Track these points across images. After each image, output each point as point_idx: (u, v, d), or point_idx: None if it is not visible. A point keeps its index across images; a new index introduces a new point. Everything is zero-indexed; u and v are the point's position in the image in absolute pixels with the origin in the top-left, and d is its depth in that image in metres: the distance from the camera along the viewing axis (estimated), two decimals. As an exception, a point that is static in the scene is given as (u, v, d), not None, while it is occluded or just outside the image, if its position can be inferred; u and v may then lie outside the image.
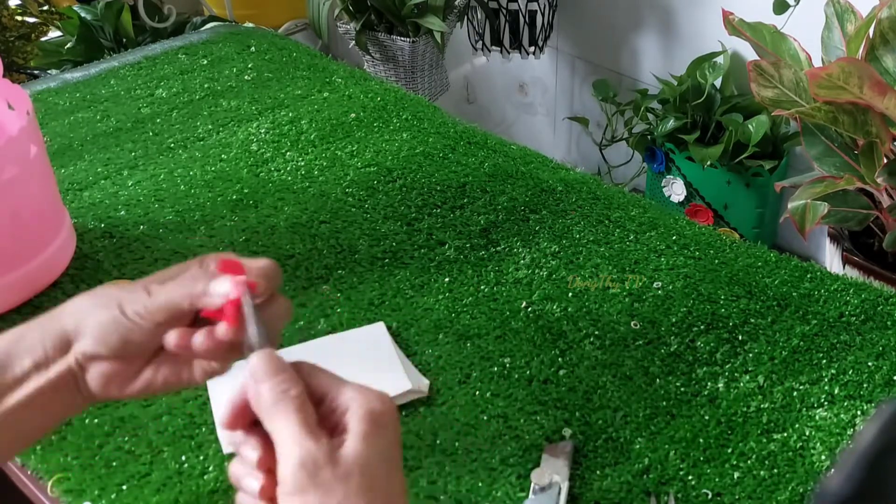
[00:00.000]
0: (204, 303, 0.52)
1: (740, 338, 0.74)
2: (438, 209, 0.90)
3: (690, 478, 0.62)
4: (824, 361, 0.72)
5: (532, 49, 2.06)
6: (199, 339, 0.52)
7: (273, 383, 0.46)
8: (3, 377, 0.52)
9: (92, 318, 0.53)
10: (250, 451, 0.46)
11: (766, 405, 0.68)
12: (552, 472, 0.61)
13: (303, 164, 0.98)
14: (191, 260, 0.56)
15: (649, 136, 1.89)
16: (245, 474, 0.47)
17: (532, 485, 0.61)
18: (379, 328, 0.74)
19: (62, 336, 0.53)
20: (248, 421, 0.47)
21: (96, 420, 0.66)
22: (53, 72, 1.63)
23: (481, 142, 1.02)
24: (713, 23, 1.81)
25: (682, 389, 0.69)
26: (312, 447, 0.44)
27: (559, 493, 0.60)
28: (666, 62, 1.98)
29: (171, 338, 0.53)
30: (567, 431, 0.65)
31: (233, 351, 0.53)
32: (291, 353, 0.71)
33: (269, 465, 0.46)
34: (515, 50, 2.06)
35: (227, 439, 0.62)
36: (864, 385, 0.69)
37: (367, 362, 0.68)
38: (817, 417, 0.67)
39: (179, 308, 0.52)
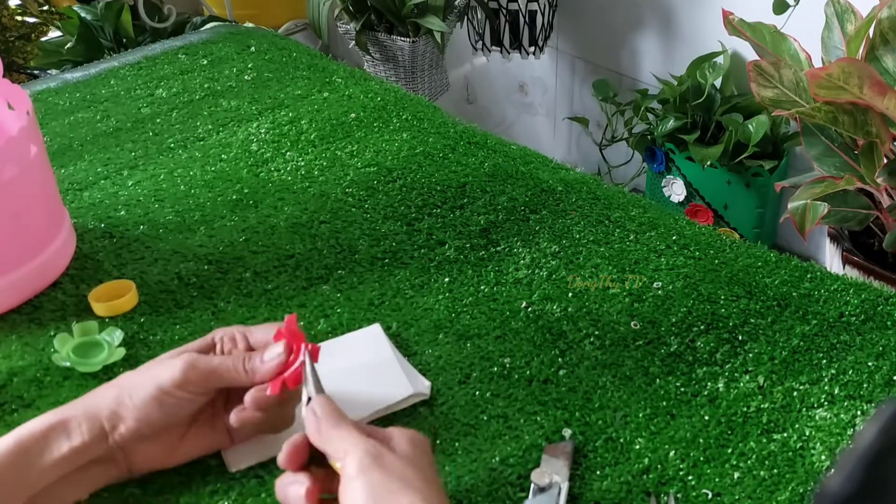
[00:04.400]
0: (261, 370, 0.59)
1: (740, 338, 0.74)
2: (438, 209, 0.90)
3: (690, 478, 0.62)
4: (824, 361, 0.72)
5: (532, 49, 2.06)
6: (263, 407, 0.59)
7: (332, 414, 0.55)
8: (40, 461, 0.55)
9: (133, 400, 0.57)
10: (298, 486, 0.53)
11: (766, 405, 0.68)
12: (552, 473, 0.61)
13: (303, 164, 0.98)
14: (207, 335, 0.63)
15: (649, 136, 1.89)
16: (291, 482, 0.54)
17: (532, 485, 0.61)
18: (375, 330, 0.73)
19: (99, 424, 0.57)
20: (302, 462, 0.54)
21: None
22: (53, 72, 1.63)
23: (481, 142, 1.02)
24: (713, 23, 1.81)
25: (682, 389, 0.69)
26: (373, 442, 0.52)
27: (559, 494, 0.60)
28: (666, 62, 1.98)
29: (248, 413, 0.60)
30: (567, 431, 0.65)
31: (283, 405, 0.61)
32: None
33: (315, 496, 0.53)
34: (515, 50, 2.06)
35: (231, 458, 0.62)
36: (864, 385, 0.70)
37: (367, 369, 0.68)
38: (817, 417, 0.67)
39: (231, 377, 0.59)
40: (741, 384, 0.70)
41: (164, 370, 0.59)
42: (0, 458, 0.54)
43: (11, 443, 0.54)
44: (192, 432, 0.60)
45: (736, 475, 0.62)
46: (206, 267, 0.82)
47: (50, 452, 0.55)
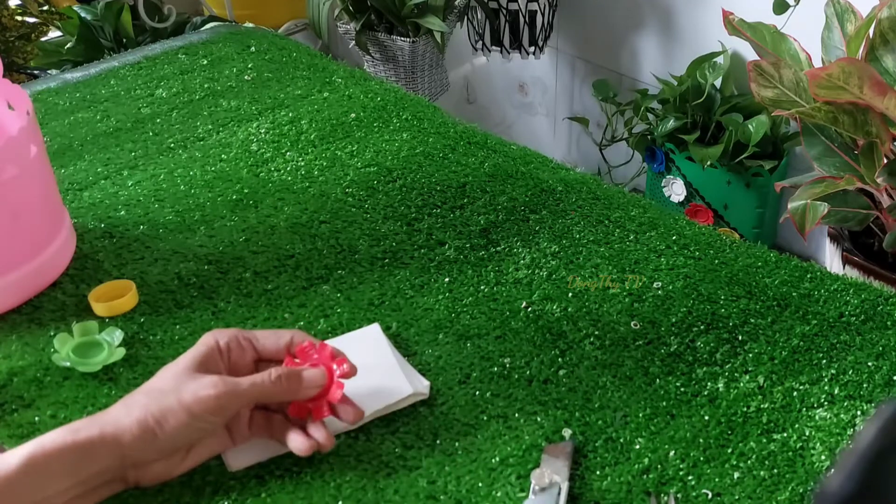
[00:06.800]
0: (301, 395, 0.61)
1: (740, 338, 0.74)
2: (438, 209, 0.90)
3: (690, 478, 0.62)
4: (824, 361, 0.72)
5: (532, 49, 2.06)
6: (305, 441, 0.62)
7: None
8: (53, 482, 0.54)
9: (163, 429, 0.57)
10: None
11: (766, 405, 0.68)
12: (552, 473, 0.61)
13: (303, 164, 0.98)
14: (208, 339, 0.62)
15: (649, 136, 1.89)
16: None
17: (532, 485, 0.61)
18: (374, 330, 0.73)
19: (119, 451, 0.56)
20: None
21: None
22: (53, 72, 1.63)
23: (481, 142, 1.02)
24: (713, 23, 1.81)
25: (682, 389, 0.69)
26: None
27: (559, 494, 0.60)
28: (666, 62, 1.98)
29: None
30: (567, 431, 0.65)
31: None
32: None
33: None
34: (515, 50, 2.06)
35: (231, 458, 0.62)
36: (864, 385, 0.70)
37: (367, 368, 0.68)
38: (817, 417, 0.67)
39: (262, 399, 0.60)
40: (741, 384, 0.70)
41: (190, 394, 0.57)
42: (11, 474, 0.52)
43: (24, 459, 0.53)
44: (198, 443, 0.60)
45: (736, 475, 0.62)
46: (206, 267, 0.82)
47: (64, 475, 0.54)
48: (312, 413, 0.62)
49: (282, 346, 0.63)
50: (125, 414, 0.57)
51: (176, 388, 0.58)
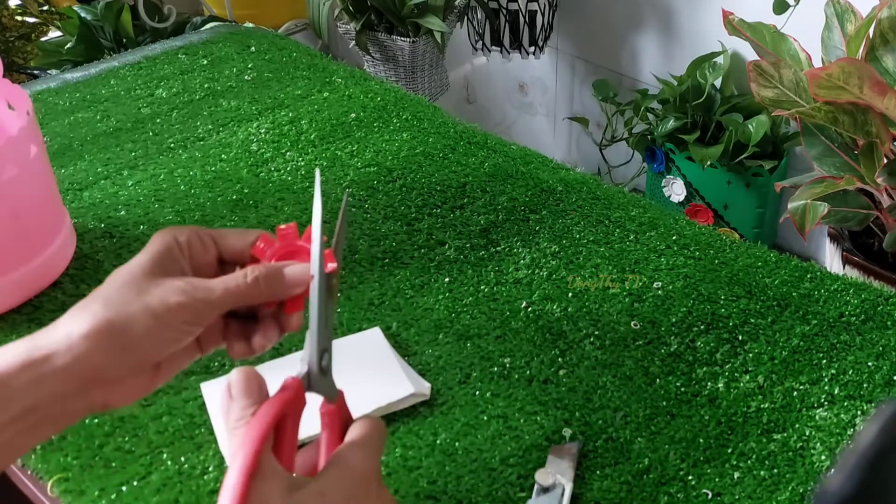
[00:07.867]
0: (282, 295, 0.52)
1: (740, 338, 0.74)
2: (438, 209, 0.90)
3: (690, 478, 0.62)
4: (824, 361, 0.72)
5: (532, 49, 2.06)
6: (260, 341, 0.53)
7: None
8: (14, 405, 0.46)
9: (131, 344, 0.48)
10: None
11: (766, 405, 0.68)
12: (556, 473, 0.61)
13: (303, 164, 0.98)
14: (164, 237, 0.54)
15: (649, 136, 1.89)
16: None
17: (535, 485, 0.61)
18: (375, 333, 0.73)
19: (86, 378, 0.48)
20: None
21: (96, 420, 0.66)
22: (53, 72, 1.63)
23: (481, 142, 1.02)
24: (713, 23, 1.81)
25: (682, 389, 0.69)
26: None
27: (562, 495, 0.60)
28: (666, 62, 1.98)
29: (238, 349, 0.53)
30: (567, 431, 0.65)
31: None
32: (288, 362, 0.71)
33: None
34: (515, 50, 2.06)
35: (229, 452, 0.62)
36: (864, 385, 0.70)
37: (368, 369, 0.68)
38: (817, 417, 0.67)
39: (239, 302, 0.51)
40: (741, 384, 0.70)
41: (157, 300, 0.49)
42: None
43: None
44: (167, 358, 0.51)
45: (736, 475, 0.62)
46: (206, 267, 0.82)
47: (21, 395, 0.46)
48: (286, 306, 0.53)
49: (248, 246, 0.55)
50: (78, 325, 0.48)
51: (137, 293, 0.49)
